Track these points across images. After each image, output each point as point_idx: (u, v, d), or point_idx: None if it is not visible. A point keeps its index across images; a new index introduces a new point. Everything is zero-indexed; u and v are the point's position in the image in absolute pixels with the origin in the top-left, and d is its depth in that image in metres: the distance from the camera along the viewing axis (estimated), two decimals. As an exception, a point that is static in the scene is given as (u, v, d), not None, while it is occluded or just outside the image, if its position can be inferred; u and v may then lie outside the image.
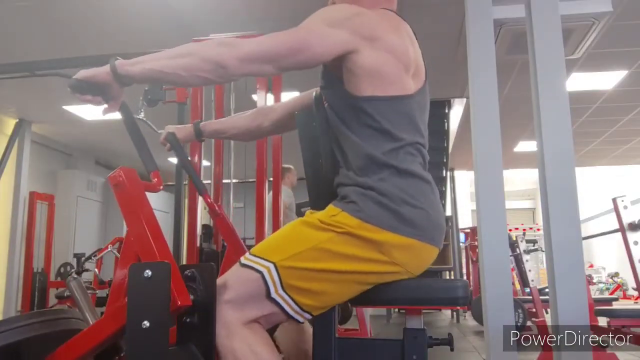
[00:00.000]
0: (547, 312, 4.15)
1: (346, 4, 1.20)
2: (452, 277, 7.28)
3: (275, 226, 3.10)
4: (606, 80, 5.38)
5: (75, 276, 1.39)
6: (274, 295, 1.08)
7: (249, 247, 2.19)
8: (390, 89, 1.15)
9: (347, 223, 1.09)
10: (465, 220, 9.72)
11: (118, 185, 1.09)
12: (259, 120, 1.56)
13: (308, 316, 1.14)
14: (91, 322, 1.24)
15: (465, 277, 7.81)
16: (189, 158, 2.44)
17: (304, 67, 1.14)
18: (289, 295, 1.09)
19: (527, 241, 5.26)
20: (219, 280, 1.12)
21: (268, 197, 3.10)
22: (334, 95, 1.21)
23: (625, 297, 9.67)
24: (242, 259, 1.14)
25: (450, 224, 6.49)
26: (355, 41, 1.12)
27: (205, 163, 3.25)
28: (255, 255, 1.12)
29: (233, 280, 1.11)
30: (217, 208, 1.93)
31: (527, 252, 5.05)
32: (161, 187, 1.19)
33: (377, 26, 1.16)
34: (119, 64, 1.11)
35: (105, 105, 1.18)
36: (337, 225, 1.10)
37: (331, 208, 1.14)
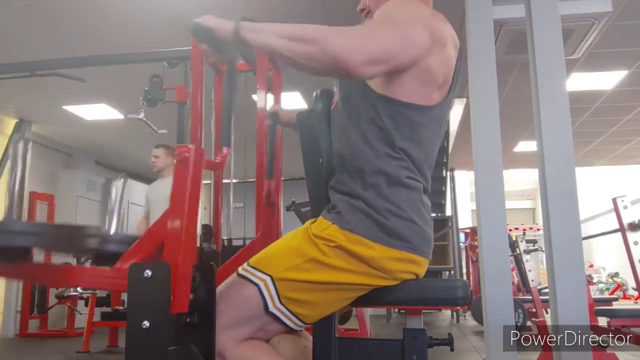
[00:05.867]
0: (547, 312, 4.15)
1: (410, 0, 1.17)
2: (452, 277, 7.27)
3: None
4: (606, 80, 5.38)
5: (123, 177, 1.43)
6: (272, 309, 1.09)
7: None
8: (411, 97, 1.12)
9: (337, 236, 1.10)
10: (465, 220, 9.71)
11: (183, 161, 1.05)
12: None
13: (306, 326, 1.15)
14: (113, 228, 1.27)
15: (465, 277, 7.80)
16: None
17: (400, 69, 1.08)
18: (286, 307, 1.09)
19: (527, 241, 5.26)
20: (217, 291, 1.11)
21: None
22: (351, 86, 1.18)
23: (625, 297, 9.65)
24: (240, 269, 1.14)
25: (450, 224, 6.47)
26: (431, 42, 1.09)
27: (205, 163, 3.24)
28: (252, 267, 1.12)
29: (228, 300, 1.10)
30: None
31: (527, 252, 5.05)
32: (223, 166, 1.20)
33: (444, 33, 1.14)
34: (242, 27, 1.08)
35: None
36: (329, 239, 1.10)
37: (322, 221, 1.14)
